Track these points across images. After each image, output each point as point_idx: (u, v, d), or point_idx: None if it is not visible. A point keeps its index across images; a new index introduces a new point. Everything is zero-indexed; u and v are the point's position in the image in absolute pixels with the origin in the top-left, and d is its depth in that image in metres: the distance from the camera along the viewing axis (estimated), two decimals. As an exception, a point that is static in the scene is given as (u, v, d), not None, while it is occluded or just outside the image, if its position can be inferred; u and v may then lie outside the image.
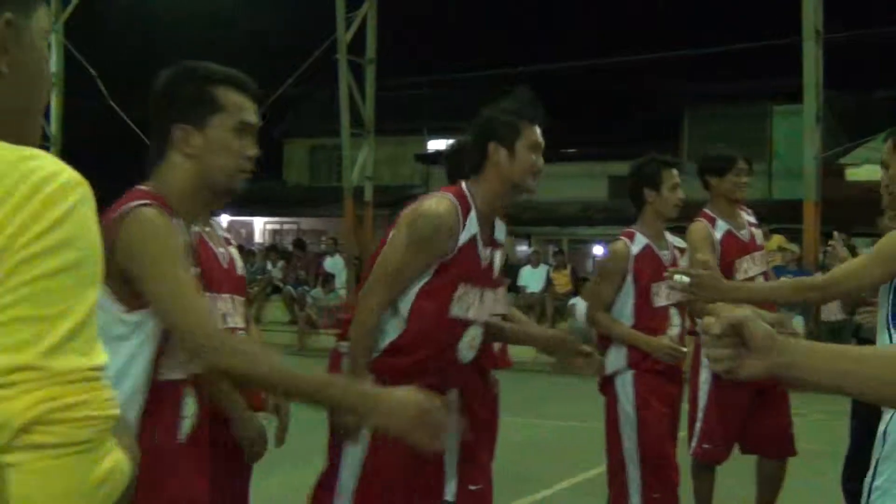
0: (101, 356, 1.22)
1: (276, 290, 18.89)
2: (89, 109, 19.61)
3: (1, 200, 1.18)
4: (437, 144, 29.08)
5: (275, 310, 18.29)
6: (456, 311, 3.56)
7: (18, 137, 1.30)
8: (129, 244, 2.40)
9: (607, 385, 4.76)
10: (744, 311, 2.14)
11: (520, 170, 3.54)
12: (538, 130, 3.60)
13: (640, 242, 4.72)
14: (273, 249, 21.37)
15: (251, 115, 2.62)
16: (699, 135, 22.20)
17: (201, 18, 24.36)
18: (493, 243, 3.70)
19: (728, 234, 5.07)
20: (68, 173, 1.23)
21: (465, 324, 3.59)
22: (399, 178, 26.16)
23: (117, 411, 1.22)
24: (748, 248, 5.14)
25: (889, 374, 1.87)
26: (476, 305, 3.59)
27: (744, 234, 5.15)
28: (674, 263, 4.68)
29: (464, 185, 3.60)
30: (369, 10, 18.28)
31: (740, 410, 4.99)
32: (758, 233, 5.35)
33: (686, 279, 3.70)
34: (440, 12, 23.69)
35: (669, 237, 4.88)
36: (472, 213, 3.53)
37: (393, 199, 22.40)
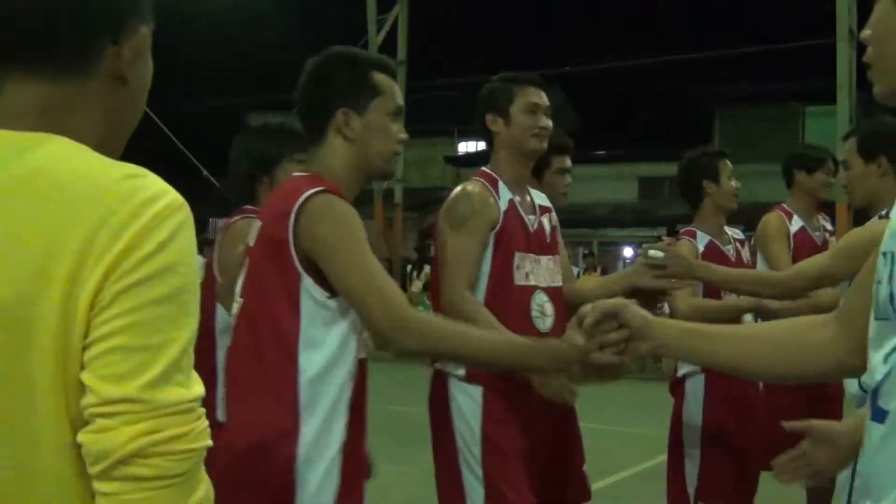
0: (198, 386, 1.22)
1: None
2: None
3: (102, 220, 1.16)
4: (466, 146, 29.13)
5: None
6: (518, 279, 3.41)
7: (115, 150, 1.33)
8: (312, 231, 2.41)
9: (677, 386, 4.39)
10: (615, 300, 2.25)
11: (518, 134, 3.47)
12: (535, 90, 3.51)
13: (702, 240, 4.37)
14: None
15: (402, 99, 2.70)
16: (731, 136, 22.12)
17: (231, 20, 24.49)
18: (537, 209, 3.58)
19: (802, 231, 4.88)
20: (172, 195, 1.21)
21: (530, 290, 3.43)
22: (429, 179, 26.21)
23: (210, 441, 1.22)
24: (820, 250, 4.71)
25: (740, 350, 2.01)
26: (536, 272, 3.47)
27: (818, 237, 4.96)
28: (738, 258, 4.47)
29: (485, 167, 3.52)
30: (400, 13, 18.31)
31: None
32: (832, 240, 5.04)
33: (660, 254, 3.56)
34: (472, 14, 23.70)
35: (729, 230, 4.58)
36: (501, 184, 3.45)
37: (422, 201, 22.46)
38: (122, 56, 1.30)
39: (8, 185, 1.19)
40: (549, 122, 3.52)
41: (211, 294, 3.06)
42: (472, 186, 3.41)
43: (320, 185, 2.47)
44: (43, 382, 1.17)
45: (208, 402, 1.28)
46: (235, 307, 2.61)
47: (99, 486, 1.16)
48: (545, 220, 3.59)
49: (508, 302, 3.34)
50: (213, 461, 1.40)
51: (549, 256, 3.55)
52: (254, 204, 3.21)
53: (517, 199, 3.47)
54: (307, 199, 2.43)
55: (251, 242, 2.59)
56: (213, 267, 3.22)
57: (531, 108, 3.47)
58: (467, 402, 3.34)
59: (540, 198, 3.64)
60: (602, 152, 23.66)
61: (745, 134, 22.20)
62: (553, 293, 3.51)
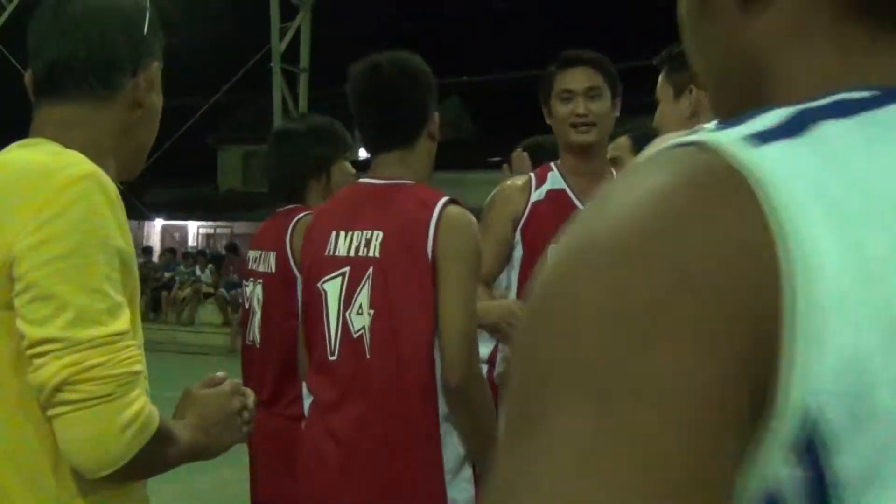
0: (120, 323, 1.43)
1: (207, 295, 18.59)
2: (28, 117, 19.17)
3: (24, 195, 1.42)
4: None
5: (208, 313, 18.08)
6: None
7: (132, 171, 1.69)
8: (447, 243, 2.26)
9: None
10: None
11: (558, 124, 3.10)
12: (567, 75, 3.07)
13: None
14: (202, 255, 20.73)
15: None
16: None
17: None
18: None
19: None
20: (76, 168, 1.44)
21: None
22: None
23: (138, 367, 1.44)
24: None
25: None
26: None
27: None
28: None
29: None
30: (303, 21, 18.18)
31: None
32: None
33: None
34: (374, 22, 23.71)
35: None
36: (552, 172, 3.15)
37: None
38: (138, 86, 1.61)
39: None
40: (594, 107, 3.04)
41: (293, 291, 2.90)
42: (511, 179, 3.23)
43: (441, 194, 2.36)
44: None
45: (295, 396, 1.60)
46: (364, 319, 2.33)
47: (47, 412, 1.40)
48: None
49: None
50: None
51: None
52: (303, 203, 3.15)
53: (570, 187, 3.12)
54: (444, 207, 2.30)
55: (353, 252, 2.37)
56: (289, 263, 3.03)
57: (562, 95, 3.08)
58: None
59: None
60: (498, 158, 23.81)
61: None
62: None
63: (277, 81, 17.85)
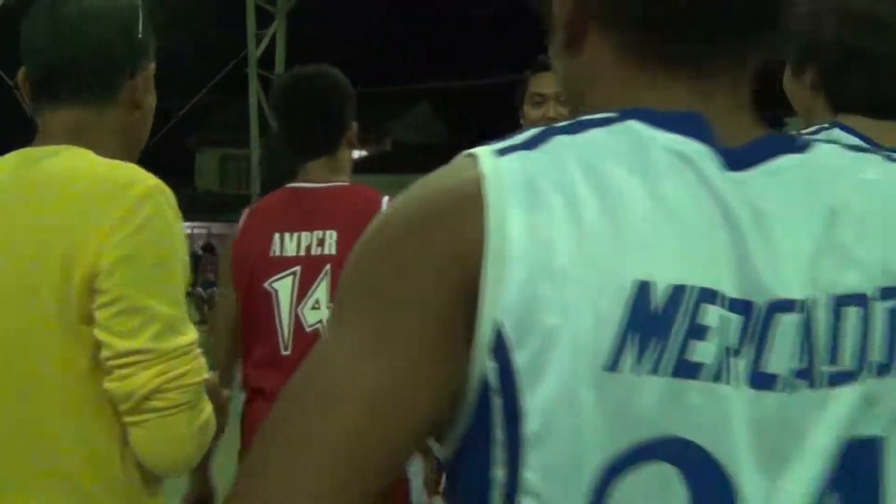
0: (193, 333, 1.49)
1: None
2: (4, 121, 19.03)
3: (92, 207, 1.42)
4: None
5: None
6: None
7: (131, 158, 1.61)
8: None
9: None
10: None
11: (530, 127, 3.06)
12: (539, 79, 2.92)
13: None
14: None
15: None
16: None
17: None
18: None
19: None
20: (149, 180, 1.46)
21: None
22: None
23: (207, 374, 1.51)
24: None
25: None
26: None
27: None
28: None
29: None
30: (279, 29, 18.17)
31: None
32: None
33: None
34: (348, 30, 23.66)
35: None
36: None
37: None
38: (136, 87, 1.61)
39: (27, 185, 1.48)
40: (564, 111, 2.79)
41: None
42: None
43: (381, 193, 2.52)
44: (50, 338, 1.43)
45: None
46: (321, 313, 2.43)
47: (129, 419, 1.43)
48: None
49: None
50: None
51: None
52: None
53: None
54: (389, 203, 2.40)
55: (321, 250, 2.46)
56: None
57: (532, 99, 2.96)
58: None
59: None
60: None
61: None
62: None
63: (254, 86, 17.84)
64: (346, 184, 2.55)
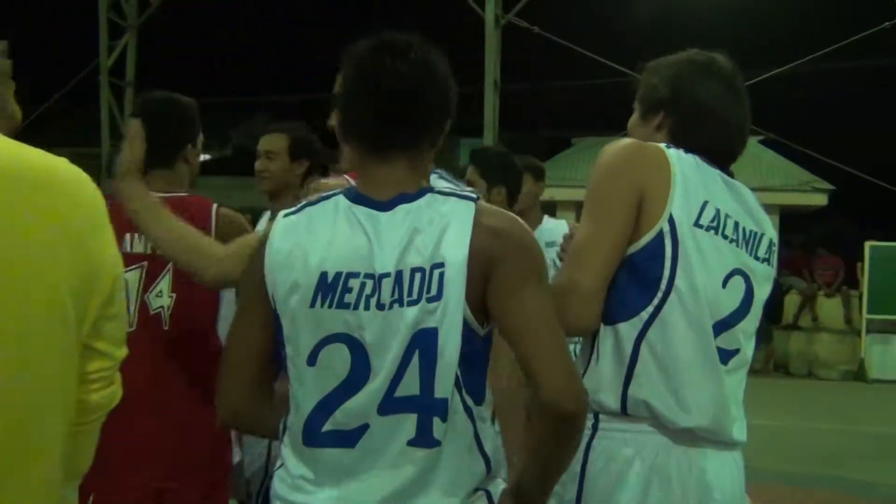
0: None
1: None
2: None
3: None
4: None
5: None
6: None
7: None
8: (225, 237, 2.48)
9: None
10: None
11: None
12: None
13: None
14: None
15: None
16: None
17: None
18: None
19: None
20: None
21: None
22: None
23: None
24: None
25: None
26: None
27: None
28: None
29: None
30: (129, 40, 17.65)
31: None
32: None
33: None
34: (195, 45, 23.05)
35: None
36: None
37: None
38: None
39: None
40: None
41: None
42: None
43: (211, 201, 2.77)
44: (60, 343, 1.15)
45: None
46: (163, 300, 2.72)
47: (92, 424, 1.23)
48: None
49: None
50: None
51: None
52: None
53: None
54: (217, 210, 2.73)
55: None
56: None
57: None
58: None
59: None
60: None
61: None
62: None
63: (105, 93, 17.30)
64: (182, 193, 2.73)
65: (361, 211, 1.58)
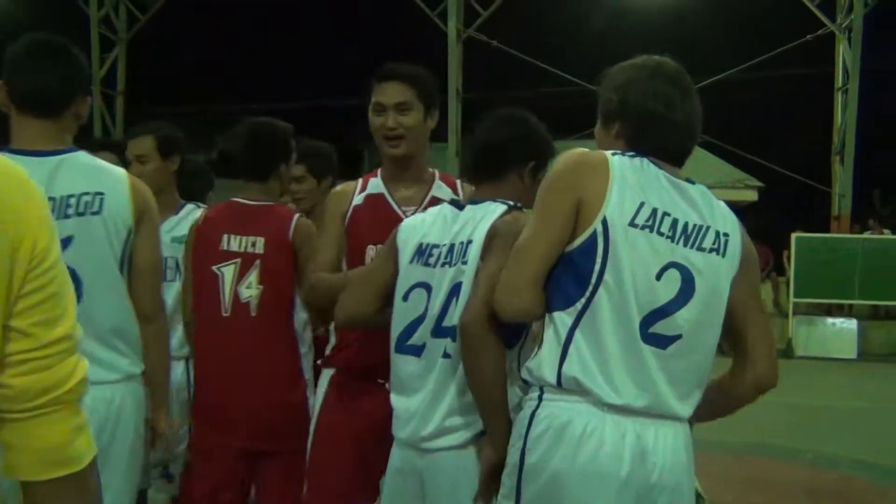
0: None
1: None
2: None
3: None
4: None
5: None
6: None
7: None
8: (301, 243, 2.85)
9: None
10: None
11: (373, 134, 2.64)
12: (380, 89, 2.60)
13: None
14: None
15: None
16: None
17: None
18: (425, 203, 2.63)
19: None
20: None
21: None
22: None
23: None
24: None
25: None
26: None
27: None
28: None
29: None
30: (119, 52, 17.46)
31: None
32: None
33: None
34: (181, 58, 22.78)
35: None
36: (375, 179, 2.69)
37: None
38: None
39: None
40: (403, 120, 2.59)
41: None
42: (342, 184, 2.77)
43: (293, 211, 3.07)
44: None
45: None
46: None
47: (37, 411, 1.06)
48: None
49: None
50: None
51: None
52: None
53: (388, 192, 2.67)
54: (297, 219, 2.96)
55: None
56: None
57: (375, 108, 2.62)
58: (319, 391, 2.74)
59: (444, 192, 2.70)
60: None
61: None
62: None
63: (97, 102, 17.01)
64: (272, 204, 2.93)
65: (451, 207, 2.25)
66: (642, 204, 1.80)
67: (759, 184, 16.68)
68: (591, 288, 1.79)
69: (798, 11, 14.70)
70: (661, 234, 1.81)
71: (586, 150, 1.91)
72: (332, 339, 2.71)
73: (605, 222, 1.78)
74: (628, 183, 1.82)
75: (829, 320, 13.12)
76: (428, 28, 15.75)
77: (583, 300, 1.80)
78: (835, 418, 8.27)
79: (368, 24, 20.57)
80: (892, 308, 13.42)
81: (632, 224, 1.79)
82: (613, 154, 1.87)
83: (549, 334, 1.85)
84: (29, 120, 2.21)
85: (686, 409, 1.87)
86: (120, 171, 2.36)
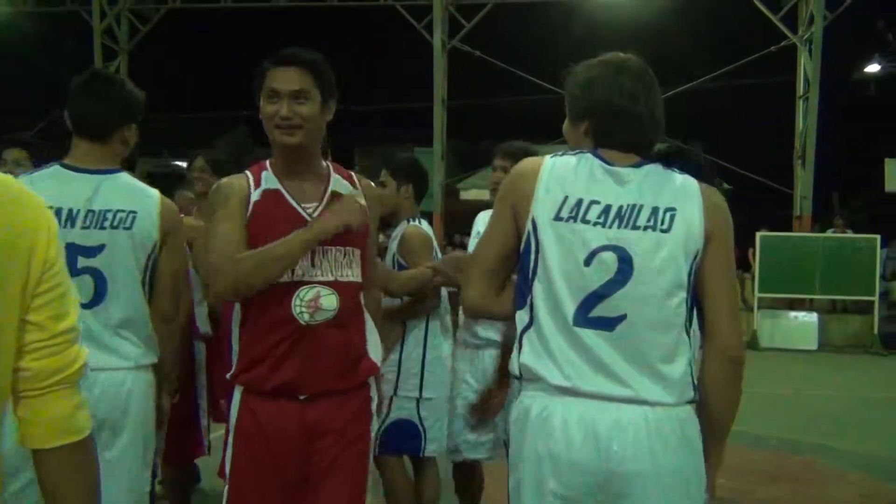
0: None
1: None
2: None
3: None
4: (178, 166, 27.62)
5: None
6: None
7: None
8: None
9: None
10: None
11: (265, 122, 2.28)
12: (276, 74, 2.24)
13: None
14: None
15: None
16: (366, 165, 22.53)
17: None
18: (325, 197, 2.31)
19: None
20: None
21: (293, 286, 2.20)
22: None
23: None
24: None
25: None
26: (305, 264, 2.22)
27: None
28: None
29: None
30: (122, 62, 17.31)
31: None
32: None
33: None
34: (181, 67, 22.65)
35: None
36: (266, 172, 2.32)
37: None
38: None
39: None
40: (300, 110, 2.23)
41: None
42: (229, 178, 2.34)
43: None
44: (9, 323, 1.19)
45: None
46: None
47: (48, 390, 1.22)
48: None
49: (267, 296, 2.19)
50: None
51: (338, 247, 2.27)
52: None
53: (284, 188, 2.30)
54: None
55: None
56: None
57: (269, 95, 2.26)
58: (232, 409, 2.32)
59: (342, 185, 2.36)
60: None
61: (376, 164, 22.74)
62: (339, 287, 2.25)
63: (101, 108, 16.89)
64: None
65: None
66: (566, 198, 1.82)
67: (726, 186, 16.77)
68: (531, 283, 1.82)
69: (763, 25, 14.79)
70: (587, 222, 1.80)
71: (529, 159, 1.94)
72: (235, 348, 2.30)
73: (533, 221, 1.83)
74: (554, 182, 1.84)
75: (792, 314, 13.19)
76: (415, 39, 15.74)
77: (530, 295, 1.83)
78: (798, 406, 8.33)
79: (359, 35, 20.53)
80: (850, 302, 13.52)
81: (556, 218, 1.81)
82: (553, 156, 1.89)
83: (517, 331, 1.89)
84: (81, 141, 2.51)
85: (655, 391, 1.76)
86: (153, 193, 2.55)
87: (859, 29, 16.30)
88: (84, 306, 2.33)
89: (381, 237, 3.81)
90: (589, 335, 1.76)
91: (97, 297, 2.41)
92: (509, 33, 17.69)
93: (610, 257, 1.78)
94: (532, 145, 3.63)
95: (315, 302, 2.21)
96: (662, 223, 1.80)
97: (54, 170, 2.47)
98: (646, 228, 1.80)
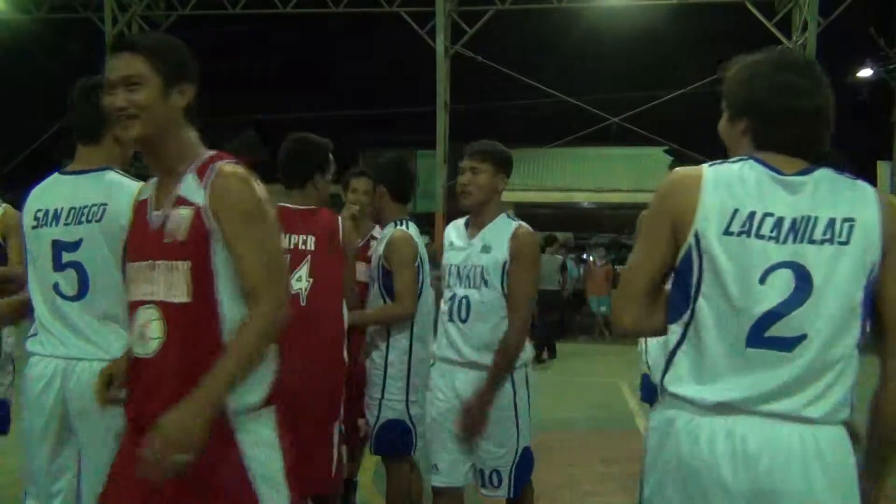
0: None
1: None
2: None
3: None
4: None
5: None
6: (129, 293, 1.97)
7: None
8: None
9: None
10: None
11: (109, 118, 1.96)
12: (108, 61, 1.92)
13: None
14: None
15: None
16: (370, 168, 22.48)
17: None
18: (172, 202, 1.93)
19: None
20: None
21: (135, 306, 1.93)
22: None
23: None
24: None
25: None
26: (137, 280, 1.93)
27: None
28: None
29: None
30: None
31: None
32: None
33: None
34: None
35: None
36: (147, 184, 2.07)
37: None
38: None
39: None
40: (134, 98, 1.89)
41: None
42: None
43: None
44: None
45: None
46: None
47: None
48: (180, 213, 1.90)
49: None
50: None
51: (166, 261, 1.89)
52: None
53: (151, 197, 2.00)
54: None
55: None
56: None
57: (107, 86, 1.93)
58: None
59: (190, 188, 1.92)
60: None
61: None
62: (167, 309, 1.88)
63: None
64: (314, 207, 3.22)
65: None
66: (736, 211, 1.67)
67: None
68: (692, 300, 1.70)
69: (757, 30, 14.77)
70: (762, 237, 1.66)
71: (684, 169, 1.78)
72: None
73: (696, 236, 1.68)
74: (722, 193, 1.70)
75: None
76: (418, 45, 15.75)
77: (688, 312, 1.70)
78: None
79: (364, 41, 20.52)
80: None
81: (726, 233, 1.67)
82: (712, 165, 1.75)
83: (656, 343, 1.87)
84: (78, 145, 2.56)
85: (818, 409, 1.66)
86: (130, 187, 2.40)
87: (852, 34, 16.29)
88: (71, 299, 2.43)
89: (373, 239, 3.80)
90: (764, 355, 1.66)
91: (82, 290, 2.43)
92: (510, 39, 17.70)
93: (787, 274, 1.66)
94: (505, 147, 3.45)
95: (144, 328, 1.93)
96: (840, 235, 1.66)
97: (53, 177, 2.55)
98: (823, 242, 1.66)
